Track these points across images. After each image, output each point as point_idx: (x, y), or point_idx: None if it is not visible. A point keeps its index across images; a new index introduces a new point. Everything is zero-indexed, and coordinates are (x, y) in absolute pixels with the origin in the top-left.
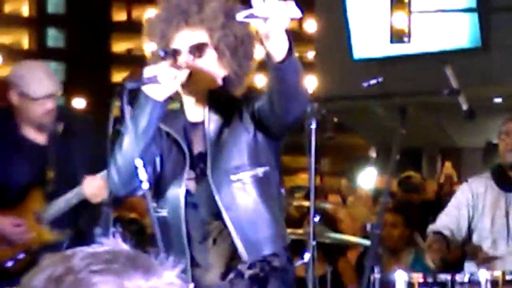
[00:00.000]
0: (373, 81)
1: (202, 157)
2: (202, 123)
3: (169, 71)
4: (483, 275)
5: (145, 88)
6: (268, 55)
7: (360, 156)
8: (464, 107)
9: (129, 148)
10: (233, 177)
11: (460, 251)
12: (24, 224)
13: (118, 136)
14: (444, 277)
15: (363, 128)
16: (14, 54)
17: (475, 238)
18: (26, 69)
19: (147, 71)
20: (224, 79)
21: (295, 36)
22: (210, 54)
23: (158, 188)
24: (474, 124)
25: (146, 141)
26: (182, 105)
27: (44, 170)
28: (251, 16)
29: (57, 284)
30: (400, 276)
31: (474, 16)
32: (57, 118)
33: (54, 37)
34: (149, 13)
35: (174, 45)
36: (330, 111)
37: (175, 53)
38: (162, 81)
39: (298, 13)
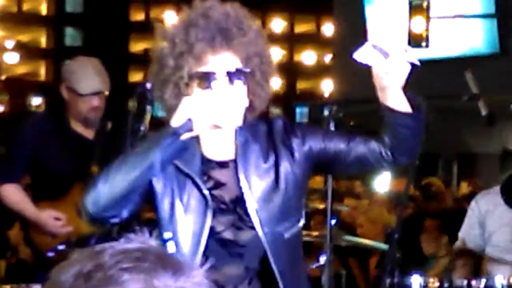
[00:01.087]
0: None
1: (236, 202)
2: (232, 162)
3: (212, 105)
4: (499, 280)
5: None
6: (386, 106)
7: None
8: (484, 112)
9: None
10: (285, 234)
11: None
12: (63, 218)
13: (136, 134)
14: (460, 282)
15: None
16: (32, 52)
17: (489, 251)
18: (77, 64)
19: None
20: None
21: (313, 39)
22: (244, 81)
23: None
24: (490, 130)
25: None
26: (196, 140)
27: (89, 165)
28: (372, 50)
29: (86, 280)
30: (416, 280)
31: (493, 22)
32: (107, 115)
33: (71, 36)
34: (167, 14)
35: (210, 68)
36: (347, 114)
37: (209, 77)
38: (197, 118)
39: (416, 60)
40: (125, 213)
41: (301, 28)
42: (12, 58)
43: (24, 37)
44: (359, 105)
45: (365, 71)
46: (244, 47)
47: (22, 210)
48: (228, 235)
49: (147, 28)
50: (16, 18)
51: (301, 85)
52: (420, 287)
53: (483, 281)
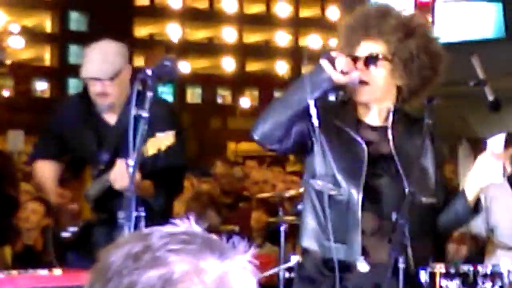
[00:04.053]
0: None
1: (386, 159)
2: (383, 128)
3: (347, 67)
4: (505, 266)
5: (324, 63)
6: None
7: None
8: (490, 98)
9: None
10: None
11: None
12: (66, 196)
13: (138, 120)
14: (467, 268)
15: None
16: (37, 37)
17: (495, 237)
18: (88, 49)
19: (335, 54)
20: (398, 90)
21: (318, 23)
22: (384, 66)
23: (333, 176)
24: (496, 115)
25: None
26: (354, 106)
27: (103, 150)
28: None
29: (134, 261)
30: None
31: (499, 6)
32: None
33: (76, 21)
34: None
35: (356, 52)
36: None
37: (355, 60)
38: (339, 68)
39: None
40: (283, 144)
41: (306, 12)
42: (17, 42)
43: (29, 22)
44: None
45: None
46: (380, 35)
47: (43, 185)
48: (371, 182)
49: (151, 13)
50: (21, 2)
51: (307, 69)
52: (426, 273)
53: (489, 267)
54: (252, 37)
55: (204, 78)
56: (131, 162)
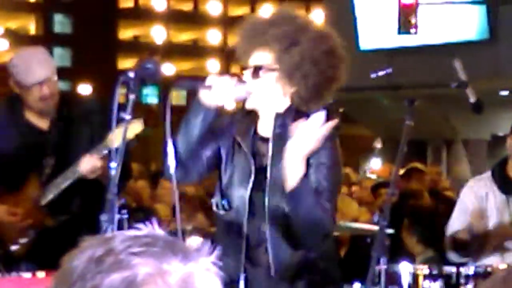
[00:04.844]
0: (381, 72)
1: (262, 171)
2: (267, 140)
3: (227, 86)
4: (488, 266)
5: (202, 94)
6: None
7: (365, 146)
8: (472, 100)
9: (181, 143)
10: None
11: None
12: (19, 213)
13: (121, 123)
14: (450, 269)
15: (368, 119)
16: (21, 39)
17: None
18: (19, 58)
19: (209, 79)
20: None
21: None
22: (269, 75)
23: (224, 187)
24: (479, 116)
25: (198, 138)
26: (256, 118)
27: (44, 156)
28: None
29: (97, 265)
30: (405, 268)
31: (482, 8)
32: (61, 104)
33: (60, 23)
34: (155, 0)
35: (250, 61)
36: (336, 102)
37: (244, 70)
38: (217, 93)
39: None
40: (195, 175)
41: None
42: (1, 45)
43: (13, 24)
44: (347, 92)
45: (354, 59)
46: (267, 44)
47: None
48: (254, 196)
49: (135, 15)
50: (5, 5)
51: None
52: (409, 275)
53: (472, 268)
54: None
55: None
56: (113, 164)
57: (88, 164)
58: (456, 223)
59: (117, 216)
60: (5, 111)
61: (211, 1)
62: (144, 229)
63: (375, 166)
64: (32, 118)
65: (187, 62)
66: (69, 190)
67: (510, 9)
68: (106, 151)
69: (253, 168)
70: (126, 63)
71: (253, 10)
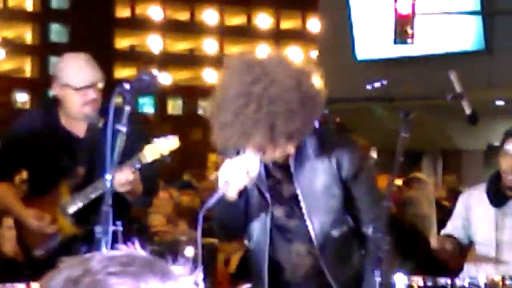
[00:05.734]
0: (377, 84)
1: (292, 199)
2: (288, 166)
3: (241, 175)
4: (482, 279)
5: (225, 192)
6: None
7: None
8: (468, 111)
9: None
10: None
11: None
12: (46, 217)
13: (117, 134)
14: (444, 280)
15: (364, 129)
16: (18, 48)
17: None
18: (67, 60)
19: (224, 175)
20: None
21: (298, 35)
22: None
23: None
24: (475, 126)
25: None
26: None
27: (77, 163)
28: None
29: (74, 285)
30: (400, 280)
31: (478, 19)
32: (100, 113)
33: (57, 32)
34: (152, 11)
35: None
36: (332, 112)
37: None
38: (235, 184)
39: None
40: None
41: (287, 24)
42: None
43: (10, 34)
44: (344, 102)
45: (351, 69)
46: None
47: (8, 207)
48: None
49: (132, 25)
50: (2, 14)
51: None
52: (404, 286)
53: (467, 279)
54: (233, 49)
55: (185, 90)
56: (108, 176)
57: (120, 176)
58: (449, 227)
59: (112, 228)
60: (42, 115)
61: (207, 11)
62: (123, 249)
63: None
64: (69, 124)
65: (184, 71)
66: (97, 201)
67: (505, 20)
68: (139, 165)
69: (268, 197)
70: (122, 72)
71: (249, 20)
